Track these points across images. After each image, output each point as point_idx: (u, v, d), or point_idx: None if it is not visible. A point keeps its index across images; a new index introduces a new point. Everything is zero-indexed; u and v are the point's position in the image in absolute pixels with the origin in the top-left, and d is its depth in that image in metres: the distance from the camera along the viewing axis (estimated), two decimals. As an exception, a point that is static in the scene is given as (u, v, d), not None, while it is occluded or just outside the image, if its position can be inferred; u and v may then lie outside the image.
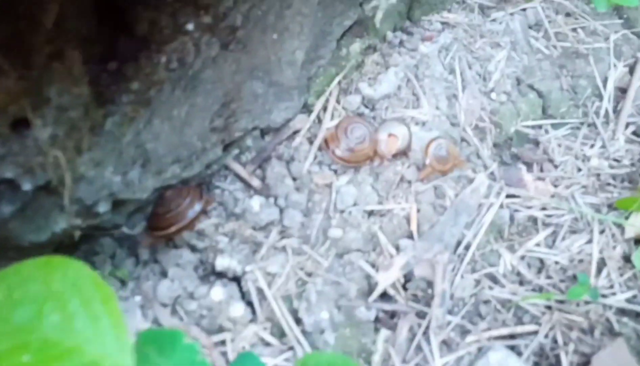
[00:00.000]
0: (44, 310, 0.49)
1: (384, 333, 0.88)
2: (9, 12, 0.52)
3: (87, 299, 0.50)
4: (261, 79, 0.95)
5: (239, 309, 0.85)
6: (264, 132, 1.03)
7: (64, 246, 0.86)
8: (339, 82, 1.06)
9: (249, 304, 0.87)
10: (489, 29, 1.15)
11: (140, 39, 0.74)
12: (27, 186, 0.68)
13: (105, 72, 0.73)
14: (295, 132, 1.03)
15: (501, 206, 0.98)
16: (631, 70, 1.15)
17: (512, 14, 1.20)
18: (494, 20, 1.19)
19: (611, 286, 0.93)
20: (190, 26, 0.75)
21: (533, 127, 1.09)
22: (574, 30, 1.18)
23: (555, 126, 1.10)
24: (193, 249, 0.91)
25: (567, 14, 1.21)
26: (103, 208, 0.80)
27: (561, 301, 0.91)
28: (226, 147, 0.98)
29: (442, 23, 1.16)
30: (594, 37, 1.18)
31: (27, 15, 0.53)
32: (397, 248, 0.92)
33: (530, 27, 1.19)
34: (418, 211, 0.95)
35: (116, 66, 0.73)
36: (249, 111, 0.96)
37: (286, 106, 1.00)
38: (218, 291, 0.86)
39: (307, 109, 1.05)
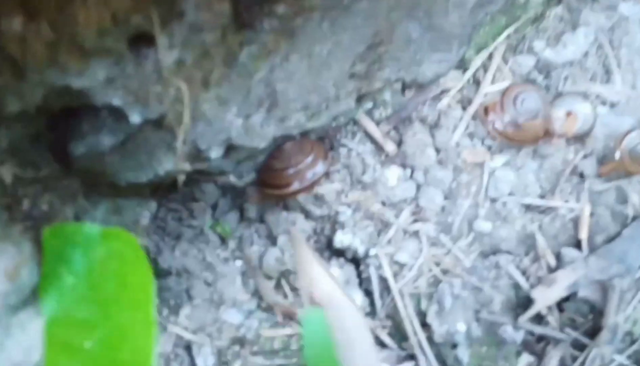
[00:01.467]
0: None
1: (527, 358, 0.71)
2: None
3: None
4: (420, 21, 0.76)
5: (356, 298, 0.71)
6: (405, 86, 0.84)
7: (163, 187, 0.74)
8: (508, 37, 0.85)
9: (368, 294, 0.72)
10: None
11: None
12: (135, 119, 0.54)
13: (247, -14, 0.56)
14: (444, 91, 0.84)
15: (702, 227, 0.76)
16: None
17: None
18: None
19: None
20: None
21: None
22: None
23: None
24: (308, 215, 0.76)
25: None
26: (216, 153, 0.66)
27: None
28: (359, 99, 0.81)
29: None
30: None
31: None
32: (558, 258, 0.74)
33: None
34: (591, 215, 0.75)
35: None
36: (397, 58, 0.77)
37: (440, 58, 0.81)
38: (334, 272, 0.71)
39: (462, 65, 0.85)
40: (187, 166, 0.66)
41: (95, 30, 0.42)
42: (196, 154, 0.67)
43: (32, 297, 0.49)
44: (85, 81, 0.46)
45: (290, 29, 0.60)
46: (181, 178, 0.68)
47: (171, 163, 0.65)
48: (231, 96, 0.60)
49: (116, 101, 0.51)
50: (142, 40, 0.48)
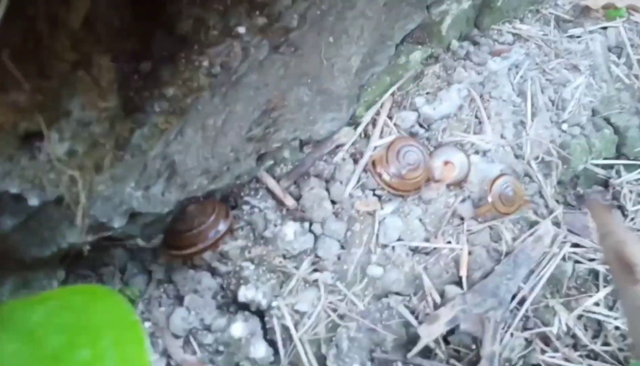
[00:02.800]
0: (77, 342, 0.47)
1: (419, 390, 0.78)
2: (25, 10, 0.40)
3: (120, 339, 0.48)
4: (309, 86, 0.83)
5: (260, 349, 0.76)
6: (303, 144, 0.91)
7: (70, 256, 0.76)
8: (393, 94, 0.94)
9: (272, 344, 0.77)
10: (566, 47, 1.02)
11: (180, 38, 0.62)
12: (34, 202, 0.58)
13: (137, 74, 0.62)
14: (339, 146, 0.92)
15: (563, 259, 0.87)
16: None
17: (591, 32, 1.06)
18: (571, 37, 1.05)
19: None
20: (241, 29, 0.63)
21: (604, 166, 0.97)
22: (661, 58, 1.04)
23: (628, 168, 0.97)
24: (214, 273, 0.81)
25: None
26: (118, 222, 0.70)
27: (619, 374, 0.81)
28: (260, 158, 0.87)
29: (514, 34, 1.03)
30: (683, 69, 1.04)
31: (48, 14, 0.42)
32: (442, 295, 0.82)
33: (610, 50, 1.06)
34: (470, 253, 0.84)
35: (150, 66, 0.62)
36: (291, 120, 0.84)
37: (332, 117, 0.88)
38: (239, 327, 0.76)
39: (354, 121, 0.93)
40: (89, 238, 0.69)
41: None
42: (98, 226, 0.70)
43: None
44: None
45: (181, 108, 0.66)
46: (86, 249, 0.71)
47: (75, 236, 0.68)
48: (127, 173, 0.64)
49: (13, 189, 0.55)
50: (34, 136, 0.52)
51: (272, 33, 0.70)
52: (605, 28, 1.08)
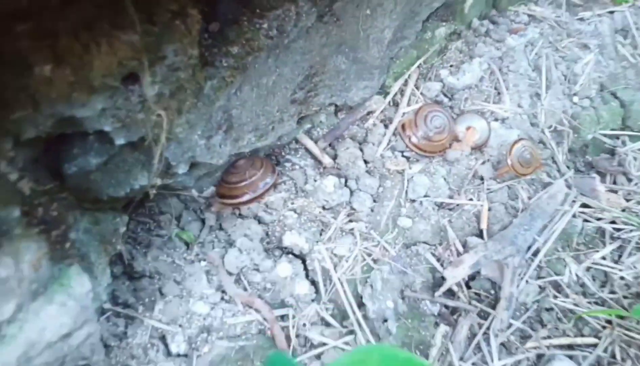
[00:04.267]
0: None
1: (444, 328, 0.87)
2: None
3: None
4: (346, 55, 0.92)
5: (303, 286, 0.84)
6: (337, 109, 1.00)
7: (132, 203, 0.85)
8: (419, 66, 1.03)
9: (313, 283, 0.86)
10: (576, 28, 1.11)
11: (244, 2, 0.71)
12: (120, 141, 0.66)
13: (207, 33, 0.70)
14: (370, 113, 1.00)
15: (573, 216, 0.95)
16: None
17: (599, 15, 1.15)
18: (581, 19, 1.14)
19: (676, 310, 0.91)
20: (300, -6, 0.72)
21: (611, 136, 1.06)
22: (664, 40, 1.13)
23: (633, 138, 1.06)
24: (260, 221, 0.90)
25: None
26: (182, 169, 0.79)
27: (622, 317, 0.90)
28: (300, 120, 0.96)
29: (529, 16, 1.12)
30: (684, 50, 1.13)
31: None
32: (464, 245, 0.91)
33: (617, 32, 1.15)
34: (489, 209, 0.93)
35: (218, 27, 0.71)
36: (329, 86, 0.93)
37: (365, 85, 0.97)
38: (284, 267, 0.85)
39: (383, 90, 1.02)
40: (158, 180, 0.78)
41: (102, 72, 0.54)
42: (165, 171, 0.79)
43: (45, 288, 0.60)
44: (86, 111, 0.58)
45: (244, 64, 0.74)
46: (152, 192, 0.80)
47: (145, 179, 0.77)
48: (197, 120, 0.72)
49: (107, 127, 0.63)
50: (130, 78, 0.61)
51: (320, 1, 0.79)
52: (612, 12, 1.17)
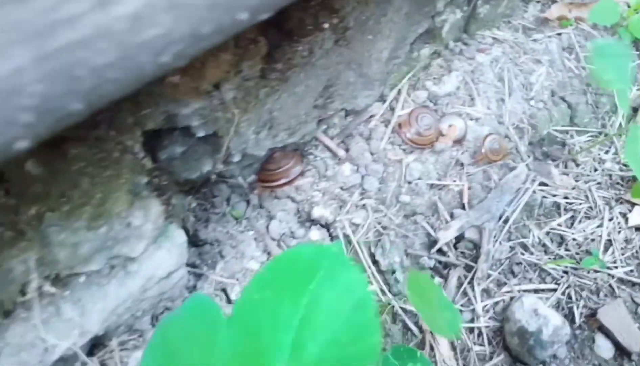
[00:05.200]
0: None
1: (437, 279, 1.12)
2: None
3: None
4: (354, 70, 1.18)
5: (329, 249, 1.08)
6: (347, 114, 1.26)
7: (195, 187, 1.08)
8: (409, 79, 1.29)
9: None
10: (531, 47, 1.39)
11: (286, 31, 0.97)
12: (200, 133, 0.90)
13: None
14: (372, 116, 1.26)
15: (534, 192, 1.22)
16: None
17: (549, 37, 1.44)
18: (534, 40, 1.43)
19: (614, 261, 1.18)
20: (326, 25, 0.98)
21: (561, 132, 1.33)
22: (600, 55, 1.42)
23: (579, 133, 1.34)
24: (293, 200, 1.14)
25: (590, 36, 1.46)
26: (236, 158, 1.03)
27: (576, 268, 1.16)
28: (319, 122, 1.21)
29: (493, 38, 1.40)
30: (615, 63, 1.42)
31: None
32: (451, 215, 1.16)
33: (563, 49, 1.43)
34: (469, 188, 1.19)
35: (266, 50, 0.96)
36: (341, 95, 1.19)
37: (368, 94, 1.23)
38: (315, 233, 1.09)
39: (382, 98, 1.28)
40: (220, 167, 1.02)
41: (208, 80, 0.78)
42: (225, 159, 1.03)
43: (159, 236, 0.83)
44: (187, 110, 0.82)
45: (285, 77, 0.99)
46: (213, 177, 1.04)
47: (210, 166, 1.00)
48: (254, 119, 0.97)
49: (194, 123, 0.87)
50: (215, 85, 0.85)
51: (337, 30, 1.05)
52: (559, 33, 1.46)
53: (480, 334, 1.06)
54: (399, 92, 1.28)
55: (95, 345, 0.89)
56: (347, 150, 1.21)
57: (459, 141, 1.24)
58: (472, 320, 1.08)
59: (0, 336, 0.75)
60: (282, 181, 1.11)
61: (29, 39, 0.40)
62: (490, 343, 1.05)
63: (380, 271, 1.08)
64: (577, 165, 1.30)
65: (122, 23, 0.43)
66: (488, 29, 1.42)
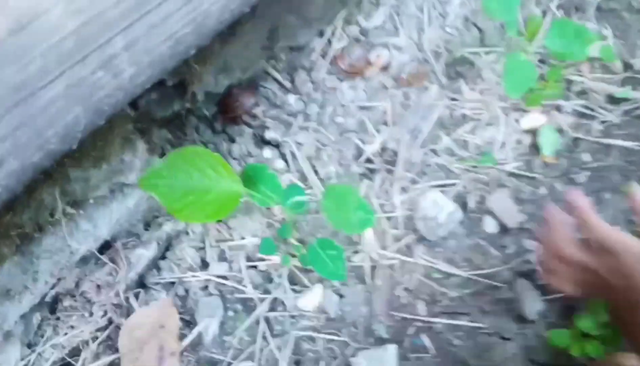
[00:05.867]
0: (193, 174, 1.02)
1: (366, 182, 1.44)
2: None
3: (214, 166, 1.02)
4: (295, 14, 1.42)
5: (280, 163, 1.40)
6: (291, 49, 1.51)
7: (170, 120, 1.36)
8: (344, 16, 1.53)
9: (286, 161, 1.41)
10: (449, -20, 1.61)
11: None
12: (170, 83, 1.17)
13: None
14: (313, 50, 1.52)
15: (446, 107, 1.52)
16: (544, 14, 1.65)
17: (468, -33, 1.65)
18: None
19: (506, 159, 1.50)
20: None
21: (473, 53, 1.60)
22: (510, -18, 1.65)
23: (487, 53, 1.61)
24: (249, 126, 1.43)
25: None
26: (200, 97, 1.30)
27: (475, 166, 1.48)
28: (268, 59, 1.47)
29: (418, -29, 1.62)
30: (523, -11, 1.65)
31: None
32: (378, 131, 1.46)
33: (479, -22, 1.65)
34: (392, 107, 1.48)
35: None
36: (285, 35, 1.43)
37: (307, 32, 1.48)
38: (267, 152, 1.39)
39: (321, 34, 1.53)
40: (188, 105, 1.30)
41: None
42: (191, 98, 1.30)
43: (144, 167, 1.13)
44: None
45: (234, 31, 1.24)
46: (183, 112, 1.32)
47: (179, 106, 1.28)
48: (211, 68, 1.23)
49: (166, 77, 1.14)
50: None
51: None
52: (477, -37, 1.67)
53: (396, 221, 1.41)
54: (335, 28, 1.53)
55: (104, 246, 1.22)
56: (292, 81, 1.48)
57: (385, 68, 1.51)
58: (391, 211, 1.42)
59: (38, 245, 1.07)
60: (239, 111, 1.39)
61: None
62: (404, 227, 1.41)
63: (320, 179, 1.40)
64: (483, 80, 1.58)
65: None
66: (412, -39, 1.63)
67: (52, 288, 1.06)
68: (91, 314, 1.13)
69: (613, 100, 1.56)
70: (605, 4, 1.65)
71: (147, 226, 1.27)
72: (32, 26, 0.59)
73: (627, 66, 1.60)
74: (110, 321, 1.18)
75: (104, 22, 0.66)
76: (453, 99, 1.53)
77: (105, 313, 1.14)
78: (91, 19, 0.64)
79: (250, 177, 1.12)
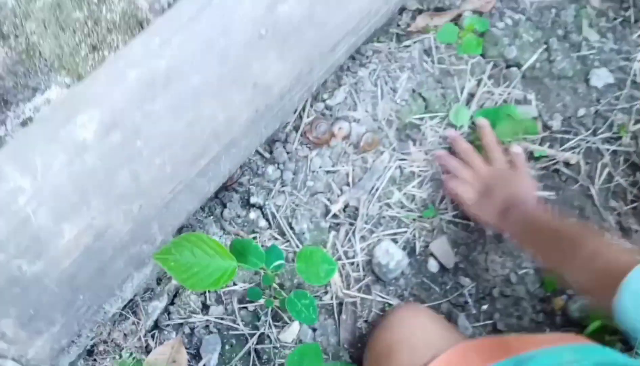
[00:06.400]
0: (196, 252, 1.35)
1: (333, 233, 1.79)
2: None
3: (212, 247, 1.34)
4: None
5: (263, 222, 1.73)
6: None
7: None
8: (312, 94, 1.86)
9: (267, 220, 1.75)
10: (400, 55, 1.94)
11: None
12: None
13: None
14: (287, 124, 1.84)
15: (397, 167, 1.86)
16: (478, 83, 1.99)
17: (415, 42, 1.99)
18: (404, 46, 1.98)
19: (446, 209, 1.86)
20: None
21: (419, 119, 1.94)
22: (449, 56, 1.99)
23: (431, 118, 1.95)
24: (236, 192, 1.76)
25: (448, 45, 2.01)
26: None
27: (421, 217, 1.84)
28: (250, 134, 1.79)
29: (373, 51, 1.94)
30: (459, 62, 1.99)
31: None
32: (342, 191, 1.80)
33: (424, 51, 1.99)
34: (353, 170, 1.82)
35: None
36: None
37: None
38: (252, 214, 1.73)
39: (294, 110, 1.85)
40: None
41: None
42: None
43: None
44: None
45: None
46: (184, 189, 1.65)
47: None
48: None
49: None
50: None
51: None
52: (422, 39, 2.00)
53: (358, 265, 1.76)
54: (305, 104, 1.85)
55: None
56: (270, 152, 1.81)
57: (346, 137, 1.84)
58: (353, 257, 1.77)
59: (78, 304, 1.40)
60: (229, 182, 1.72)
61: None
62: (363, 270, 1.76)
63: (295, 234, 1.75)
64: (428, 142, 1.93)
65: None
66: (370, 42, 1.95)
67: (92, 339, 1.39)
68: (120, 356, 1.47)
69: (533, 157, 1.91)
70: (529, 72, 1.99)
71: (159, 280, 1.60)
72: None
73: (546, 127, 1.95)
74: (135, 360, 1.52)
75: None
76: (402, 160, 1.88)
77: (131, 354, 1.48)
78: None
79: (239, 250, 1.45)
